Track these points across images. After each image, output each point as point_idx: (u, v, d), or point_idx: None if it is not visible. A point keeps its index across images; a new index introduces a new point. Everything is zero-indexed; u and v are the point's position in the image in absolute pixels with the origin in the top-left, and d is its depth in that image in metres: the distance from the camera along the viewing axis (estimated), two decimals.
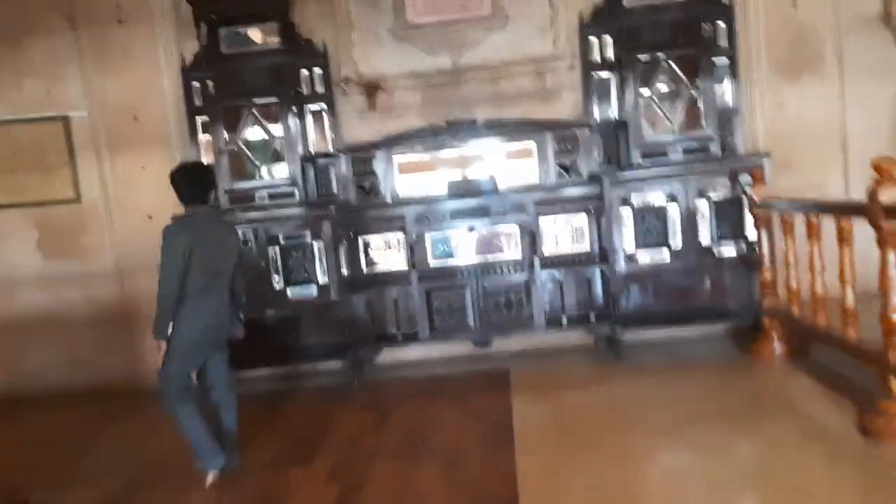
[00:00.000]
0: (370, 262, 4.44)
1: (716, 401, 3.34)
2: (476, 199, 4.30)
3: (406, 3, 4.46)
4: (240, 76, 4.47)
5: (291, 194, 4.47)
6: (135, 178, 4.51)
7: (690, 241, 4.12)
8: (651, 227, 4.15)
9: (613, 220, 4.11)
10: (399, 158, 4.51)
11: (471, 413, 3.55)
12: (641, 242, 4.16)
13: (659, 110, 4.37)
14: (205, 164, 3.14)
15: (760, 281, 3.95)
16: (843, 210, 3.09)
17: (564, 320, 4.36)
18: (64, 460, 3.51)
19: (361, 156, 4.52)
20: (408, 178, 4.52)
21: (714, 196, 4.12)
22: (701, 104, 4.29)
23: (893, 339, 2.72)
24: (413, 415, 3.64)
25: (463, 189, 4.35)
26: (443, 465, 2.96)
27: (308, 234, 4.23)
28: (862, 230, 2.88)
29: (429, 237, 4.35)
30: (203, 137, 4.53)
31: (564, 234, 4.34)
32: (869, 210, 2.74)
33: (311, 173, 4.56)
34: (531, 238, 4.29)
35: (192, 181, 2.93)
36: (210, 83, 4.48)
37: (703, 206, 4.12)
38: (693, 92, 4.30)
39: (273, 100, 4.45)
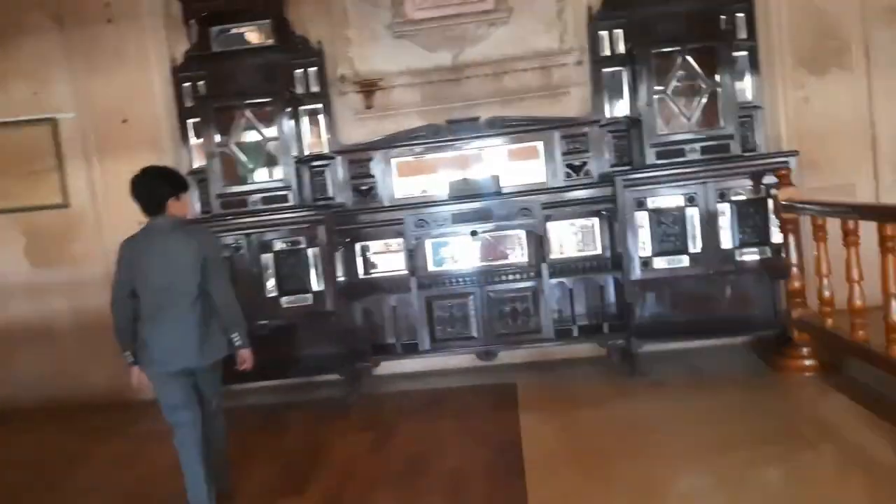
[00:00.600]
0: (367, 269, 4.29)
1: (742, 422, 3.08)
2: (479, 201, 4.10)
3: None
4: (232, 76, 4.34)
5: (285, 198, 4.26)
6: (125, 182, 4.22)
7: (710, 246, 3.85)
8: (668, 231, 3.91)
9: (627, 224, 3.87)
10: (397, 160, 4.37)
11: (477, 434, 3.32)
12: (658, 248, 3.91)
13: (674, 107, 4.10)
14: (160, 168, 2.73)
15: (789, 290, 3.67)
16: (886, 215, 2.82)
17: (575, 331, 4.12)
18: (46, 480, 3.35)
19: (358, 157, 4.39)
20: (407, 180, 4.38)
21: (735, 198, 3.85)
22: (719, 100, 4.02)
23: None
24: (414, 437, 3.39)
25: (465, 191, 4.17)
26: (447, 496, 2.72)
27: (303, 239, 4.04)
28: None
29: (429, 242, 4.20)
30: (194, 140, 4.37)
31: (574, 238, 4.17)
32: None
33: (305, 176, 4.39)
34: (538, 242, 4.09)
35: (137, 190, 2.68)
36: (201, 83, 4.35)
37: (723, 209, 3.86)
38: (711, 87, 4.03)
39: (266, 100, 4.27)
